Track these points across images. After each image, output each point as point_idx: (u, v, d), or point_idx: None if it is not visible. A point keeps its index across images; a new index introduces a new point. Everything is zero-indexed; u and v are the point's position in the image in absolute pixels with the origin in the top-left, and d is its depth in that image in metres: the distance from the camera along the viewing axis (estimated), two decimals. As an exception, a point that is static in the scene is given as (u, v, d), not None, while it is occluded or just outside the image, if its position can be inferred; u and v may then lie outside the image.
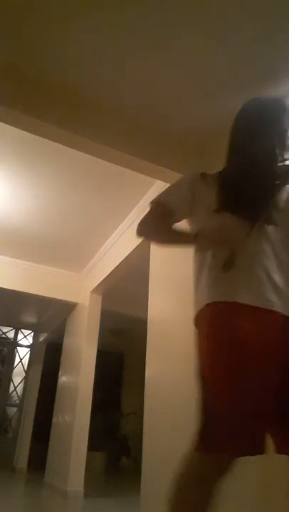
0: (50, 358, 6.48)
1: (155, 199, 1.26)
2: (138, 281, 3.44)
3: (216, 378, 0.99)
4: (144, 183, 3.14)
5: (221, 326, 1.02)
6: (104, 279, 4.28)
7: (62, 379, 5.12)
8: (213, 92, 2.20)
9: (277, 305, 1.03)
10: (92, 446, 4.12)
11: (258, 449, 0.95)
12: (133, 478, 3.44)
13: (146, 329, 2.94)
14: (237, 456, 0.96)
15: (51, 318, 6.02)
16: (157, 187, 3.05)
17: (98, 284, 4.45)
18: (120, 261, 3.82)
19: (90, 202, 3.58)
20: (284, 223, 1.13)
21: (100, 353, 4.52)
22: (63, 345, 5.42)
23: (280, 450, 1.03)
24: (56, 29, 1.99)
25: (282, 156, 1.20)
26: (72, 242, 4.33)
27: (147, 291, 3.05)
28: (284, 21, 1.83)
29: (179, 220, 1.25)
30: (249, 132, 1.23)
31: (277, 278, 1.06)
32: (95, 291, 4.62)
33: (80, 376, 4.31)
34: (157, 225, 1.23)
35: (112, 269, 4.02)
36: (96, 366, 4.37)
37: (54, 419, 5.04)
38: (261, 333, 0.99)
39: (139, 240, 1.41)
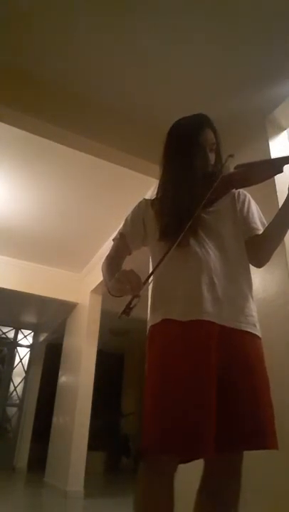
0: (50, 358, 6.48)
1: (119, 231, 1.34)
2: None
3: (148, 387, 1.08)
4: (143, 183, 3.14)
5: (155, 340, 1.15)
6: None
7: (62, 379, 5.12)
8: (213, 93, 2.21)
9: (212, 315, 1.07)
10: (92, 446, 4.12)
11: (198, 451, 0.95)
12: (133, 478, 3.42)
13: (146, 329, 2.93)
14: (176, 456, 0.99)
15: (51, 318, 6.02)
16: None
17: (98, 284, 4.44)
18: (120, 261, 3.81)
19: (90, 202, 3.59)
20: (217, 230, 1.18)
21: (100, 353, 4.52)
22: (63, 345, 5.42)
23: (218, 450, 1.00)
24: (56, 29, 1.99)
25: (207, 167, 1.20)
26: (72, 242, 4.33)
27: (147, 291, 3.04)
28: (280, 21, 1.83)
29: (134, 249, 1.34)
30: (174, 155, 1.25)
31: (219, 289, 1.11)
32: (95, 291, 4.62)
33: (80, 376, 4.31)
34: (111, 261, 1.30)
35: (112, 269, 4.02)
36: (96, 366, 4.37)
37: (54, 419, 5.04)
38: (190, 342, 1.05)
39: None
